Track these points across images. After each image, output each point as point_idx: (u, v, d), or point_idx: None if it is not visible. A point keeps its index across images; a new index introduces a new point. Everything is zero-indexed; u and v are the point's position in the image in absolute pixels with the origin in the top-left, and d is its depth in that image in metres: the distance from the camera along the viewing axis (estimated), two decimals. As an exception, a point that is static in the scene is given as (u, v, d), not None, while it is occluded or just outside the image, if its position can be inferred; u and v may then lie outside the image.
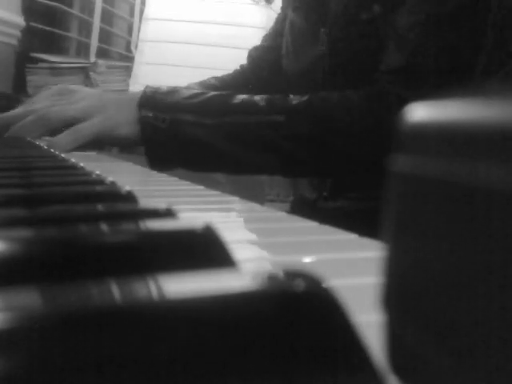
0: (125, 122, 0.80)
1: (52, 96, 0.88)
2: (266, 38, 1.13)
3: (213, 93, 0.82)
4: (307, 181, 1.01)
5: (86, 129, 0.79)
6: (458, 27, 0.75)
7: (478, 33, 0.76)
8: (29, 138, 0.81)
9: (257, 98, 0.80)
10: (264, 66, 1.09)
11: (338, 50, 0.86)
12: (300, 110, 0.77)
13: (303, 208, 1.00)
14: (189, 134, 0.78)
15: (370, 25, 0.81)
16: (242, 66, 1.13)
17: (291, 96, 0.80)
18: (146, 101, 0.80)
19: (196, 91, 0.82)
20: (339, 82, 0.82)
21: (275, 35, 1.09)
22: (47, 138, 0.84)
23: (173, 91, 0.82)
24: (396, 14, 0.78)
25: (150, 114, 0.78)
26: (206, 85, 1.07)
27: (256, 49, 1.13)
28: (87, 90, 0.91)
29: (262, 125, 0.78)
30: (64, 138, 0.78)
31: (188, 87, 0.90)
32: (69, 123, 0.80)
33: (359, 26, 0.83)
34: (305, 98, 0.78)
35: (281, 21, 1.07)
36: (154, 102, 0.79)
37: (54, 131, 0.82)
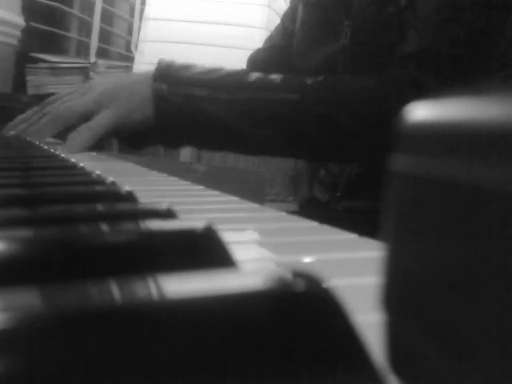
0: (138, 104, 0.78)
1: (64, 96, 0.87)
2: (269, 39, 1.12)
3: (227, 69, 0.81)
4: (319, 181, 1.00)
5: (100, 123, 0.78)
6: (477, 17, 0.75)
7: (498, 24, 0.75)
8: (29, 138, 0.81)
9: (272, 76, 0.80)
10: (265, 67, 1.09)
11: (361, 42, 0.86)
12: (315, 89, 0.77)
13: (314, 209, 1.00)
14: (202, 108, 0.77)
15: (395, 17, 0.81)
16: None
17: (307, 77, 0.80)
18: (160, 74, 0.79)
19: (211, 67, 0.81)
20: (359, 75, 0.82)
21: (282, 34, 1.07)
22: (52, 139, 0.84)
23: (187, 66, 0.81)
24: (419, 3, 0.78)
25: (164, 88, 0.78)
26: None
27: (256, 52, 1.12)
28: (95, 81, 0.89)
29: (276, 102, 0.77)
30: (79, 137, 0.77)
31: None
32: (82, 117, 0.79)
33: (384, 19, 0.82)
34: (320, 78, 0.78)
35: (289, 20, 1.06)
36: (169, 76, 0.78)
37: (69, 129, 0.80)
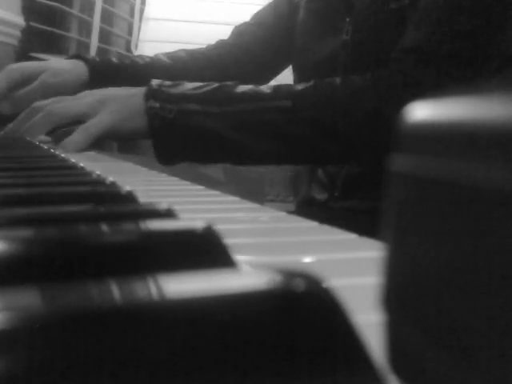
0: (132, 115, 0.79)
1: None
2: (257, 15, 1.13)
3: (217, 83, 0.82)
4: (317, 181, 1.01)
5: (95, 125, 0.79)
6: (478, 15, 0.75)
7: (498, 24, 0.75)
8: (29, 138, 0.81)
9: (261, 86, 0.81)
10: (246, 39, 1.10)
11: (363, 39, 0.86)
12: (305, 94, 0.78)
13: (311, 208, 1.00)
14: (196, 123, 0.78)
15: (398, 14, 0.81)
16: (220, 40, 1.13)
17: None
18: (152, 93, 0.80)
19: (200, 83, 0.82)
20: (360, 71, 0.82)
21: (273, 14, 1.08)
22: (44, 137, 0.84)
23: (177, 84, 0.82)
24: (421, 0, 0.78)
25: (157, 105, 0.78)
26: (173, 57, 1.07)
27: (243, 25, 1.13)
28: (85, 92, 0.89)
29: (269, 111, 0.78)
30: (75, 138, 0.78)
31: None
32: (76, 119, 0.80)
33: (387, 15, 0.83)
34: (310, 83, 0.79)
35: (284, 2, 1.07)
36: (160, 94, 0.79)
37: (54, 129, 0.82)
